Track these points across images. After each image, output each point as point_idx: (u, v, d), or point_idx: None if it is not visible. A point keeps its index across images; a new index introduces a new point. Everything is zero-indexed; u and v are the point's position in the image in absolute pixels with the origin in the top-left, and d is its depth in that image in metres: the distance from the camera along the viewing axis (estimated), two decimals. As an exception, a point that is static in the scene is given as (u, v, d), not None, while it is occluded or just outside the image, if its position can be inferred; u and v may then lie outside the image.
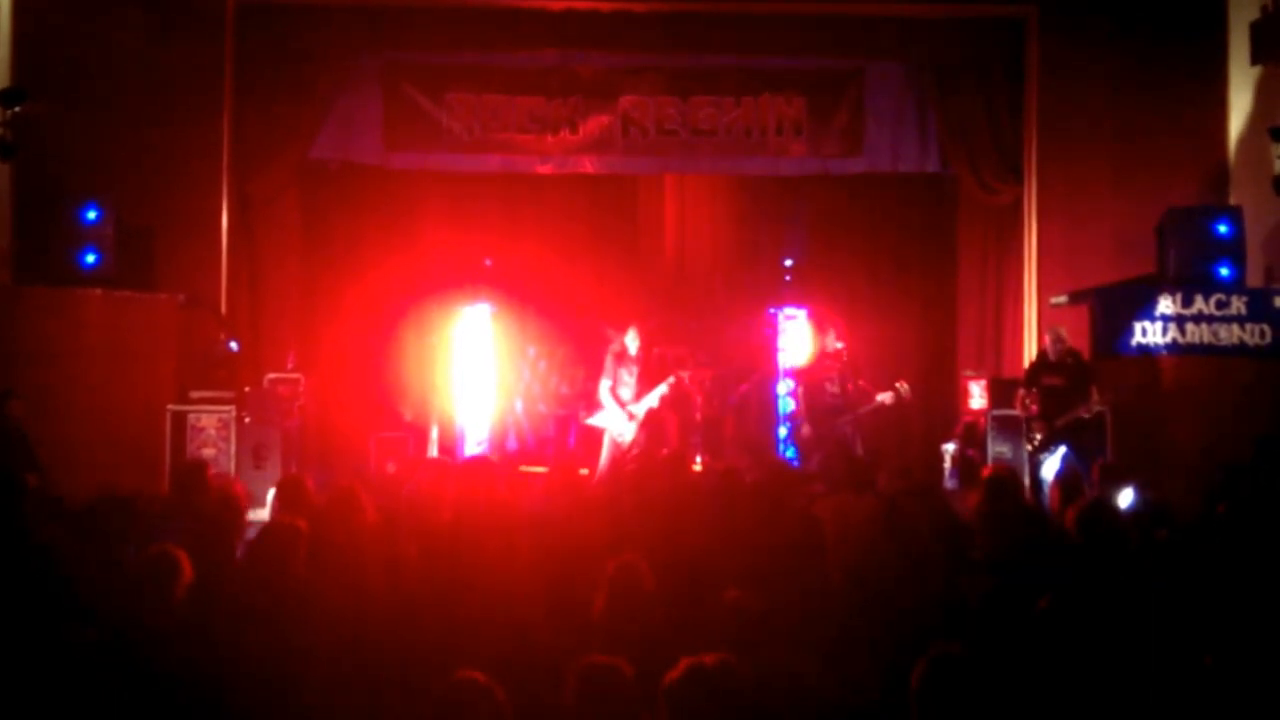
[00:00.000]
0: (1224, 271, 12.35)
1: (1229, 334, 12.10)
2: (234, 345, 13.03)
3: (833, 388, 12.57)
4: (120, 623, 5.19)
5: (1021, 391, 12.22)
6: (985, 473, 7.82)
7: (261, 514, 8.20)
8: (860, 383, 12.60)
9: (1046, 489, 11.08)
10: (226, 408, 12.42)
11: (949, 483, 13.31)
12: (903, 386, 12.40)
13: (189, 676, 4.81)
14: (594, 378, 13.25)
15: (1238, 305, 12.07)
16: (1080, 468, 11.44)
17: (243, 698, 4.81)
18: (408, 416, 14.54)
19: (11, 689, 4.52)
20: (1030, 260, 13.90)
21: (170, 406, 12.40)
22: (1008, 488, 7.47)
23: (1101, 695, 4.79)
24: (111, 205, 12.67)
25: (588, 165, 14.46)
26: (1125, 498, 10.85)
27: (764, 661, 4.64)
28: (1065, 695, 4.79)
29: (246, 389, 12.72)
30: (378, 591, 5.88)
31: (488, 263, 14.25)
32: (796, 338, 14.22)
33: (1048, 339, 12.06)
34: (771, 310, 14.67)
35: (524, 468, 10.45)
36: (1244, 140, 13.45)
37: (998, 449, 12.62)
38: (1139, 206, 13.30)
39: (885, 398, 12.38)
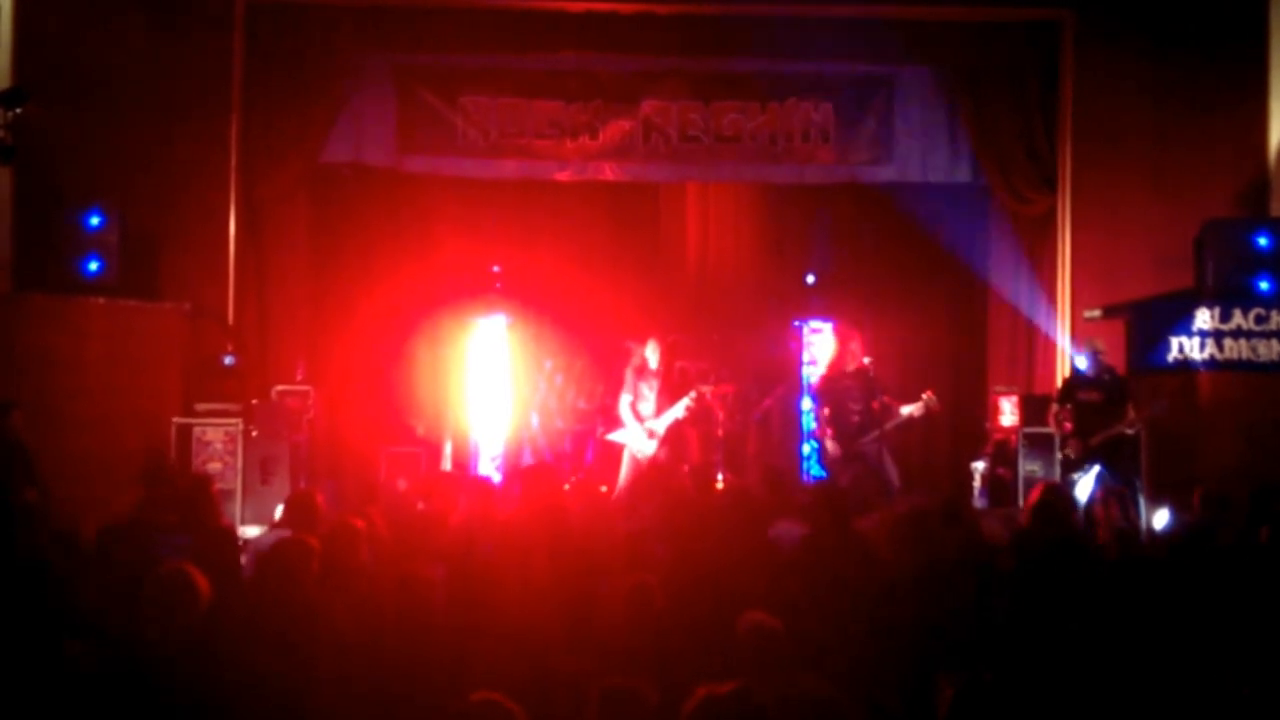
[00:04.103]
0: (1264, 285, 12.31)
1: (1268, 349, 12.08)
2: (229, 359, 12.84)
3: (857, 404, 12.43)
4: (128, 641, 5.14)
5: (1055, 407, 12.11)
6: (1037, 491, 7.68)
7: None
8: (885, 399, 12.42)
9: (1081, 510, 10.88)
10: (233, 421, 12.25)
11: (979, 502, 13.15)
12: (930, 398, 12.28)
13: (199, 696, 4.79)
14: (613, 392, 13.14)
15: (1277, 320, 12.04)
16: (1115, 486, 11.21)
17: (253, 718, 4.82)
18: (420, 431, 14.36)
19: (10, 708, 4.52)
20: (1064, 272, 13.71)
21: (175, 419, 12.25)
22: (1058, 509, 7.35)
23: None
24: (115, 211, 12.56)
25: (608, 172, 14.29)
26: (1161, 519, 10.65)
27: (785, 684, 4.61)
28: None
29: (254, 401, 12.54)
30: (391, 610, 5.89)
31: (496, 269, 14.03)
32: (822, 351, 14.12)
33: (1084, 351, 11.85)
34: (796, 323, 14.56)
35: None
36: (1286, 150, 13.31)
37: (1029, 467, 12.48)
38: (1176, 218, 13.16)
39: (913, 409, 12.26)
